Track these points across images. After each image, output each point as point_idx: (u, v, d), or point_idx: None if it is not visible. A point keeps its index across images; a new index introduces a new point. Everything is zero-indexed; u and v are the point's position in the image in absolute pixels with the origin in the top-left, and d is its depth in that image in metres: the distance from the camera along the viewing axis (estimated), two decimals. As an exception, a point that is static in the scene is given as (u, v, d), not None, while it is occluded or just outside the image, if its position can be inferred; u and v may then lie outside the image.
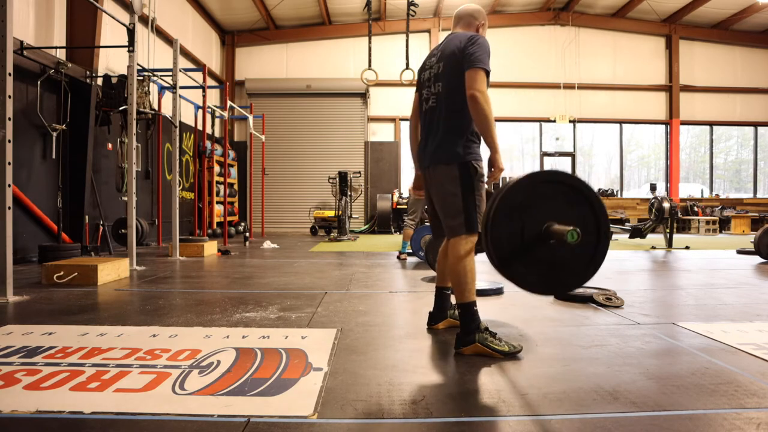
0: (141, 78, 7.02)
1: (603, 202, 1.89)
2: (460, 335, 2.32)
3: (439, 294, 2.77)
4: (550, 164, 14.04)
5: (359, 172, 12.28)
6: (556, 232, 1.82)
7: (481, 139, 2.40)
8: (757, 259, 6.32)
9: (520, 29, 13.55)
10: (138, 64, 6.18)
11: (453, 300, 2.72)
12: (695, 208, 13.00)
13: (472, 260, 2.36)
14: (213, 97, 12.20)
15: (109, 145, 7.43)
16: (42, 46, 6.01)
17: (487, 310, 3.10)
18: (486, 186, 2.43)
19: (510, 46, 13.44)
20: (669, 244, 8.25)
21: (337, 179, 10.50)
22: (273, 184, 12.65)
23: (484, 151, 2.42)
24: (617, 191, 13.79)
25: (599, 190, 13.53)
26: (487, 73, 2.31)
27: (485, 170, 2.43)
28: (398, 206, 12.33)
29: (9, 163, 3.51)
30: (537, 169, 13.69)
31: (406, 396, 1.81)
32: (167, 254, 6.68)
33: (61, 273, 4.23)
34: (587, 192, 1.89)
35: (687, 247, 8.22)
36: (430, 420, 1.62)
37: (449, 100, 2.41)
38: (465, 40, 2.38)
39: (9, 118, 3.51)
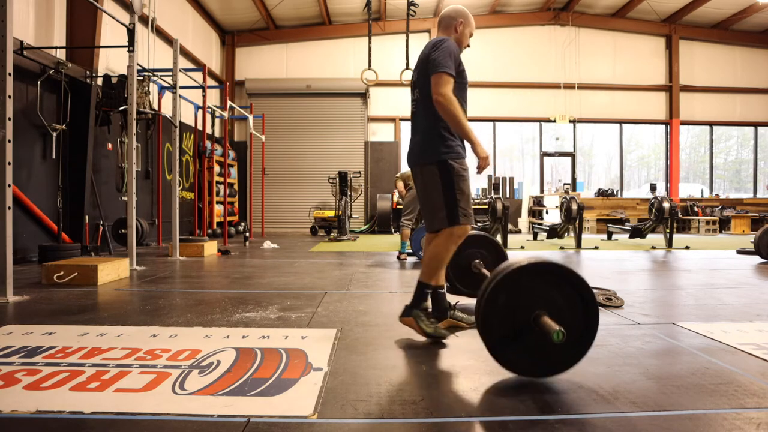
0: (141, 78, 7.02)
1: (584, 281, 1.97)
2: (407, 305, 2.57)
3: (434, 294, 2.72)
4: (550, 164, 14.06)
5: (359, 172, 12.28)
6: (543, 326, 1.88)
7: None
8: (757, 259, 6.32)
9: (520, 29, 13.55)
10: (138, 64, 6.18)
11: (452, 300, 2.73)
12: (695, 208, 13.00)
13: (450, 252, 2.55)
14: (213, 97, 12.20)
15: (109, 145, 7.43)
16: (42, 46, 6.00)
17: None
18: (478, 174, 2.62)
19: (510, 46, 13.45)
20: (669, 244, 8.25)
21: (337, 179, 10.50)
22: (273, 184, 12.65)
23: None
24: (617, 191, 13.79)
25: (599, 190, 13.53)
26: (451, 75, 2.42)
27: (472, 164, 2.61)
28: (398, 206, 12.30)
29: (9, 163, 3.51)
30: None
31: (406, 396, 1.81)
32: (167, 254, 6.68)
33: (61, 273, 4.23)
34: (569, 276, 1.96)
35: (687, 247, 8.21)
36: (430, 420, 1.62)
37: (425, 105, 2.56)
38: (430, 46, 2.53)
39: (9, 118, 3.51)
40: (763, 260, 6.22)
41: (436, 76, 2.41)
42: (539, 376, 1.97)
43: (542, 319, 1.89)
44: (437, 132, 2.52)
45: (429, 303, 2.60)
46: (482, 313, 1.96)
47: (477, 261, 3.31)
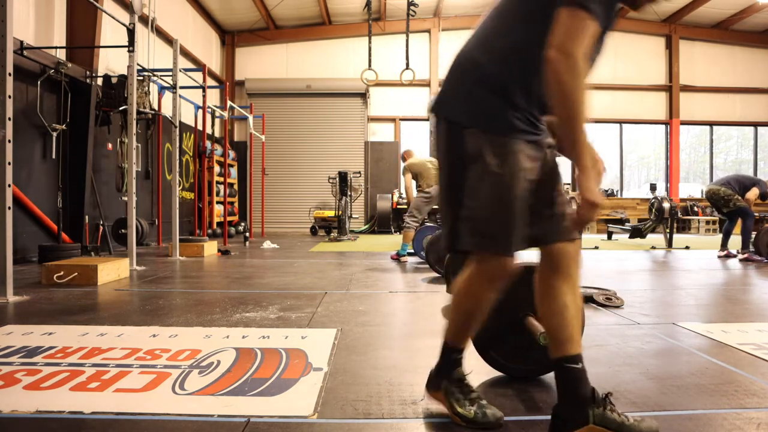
0: (141, 78, 7.02)
1: None
2: (433, 371, 1.69)
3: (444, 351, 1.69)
4: (550, 164, 14.04)
5: (359, 172, 12.27)
6: (529, 329, 1.86)
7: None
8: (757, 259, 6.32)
9: (520, 29, 13.53)
10: (138, 64, 6.18)
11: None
12: (695, 208, 13.00)
13: (481, 301, 1.57)
14: (213, 97, 12.20)
15: (109, 145, 7.42)
16: (42, 46, 6.00)
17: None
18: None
19: (510, 46, 13.44)
20: (669, 244, 8.25)
21: (337, 179, 10.50)
22: (273, 184, 12.65)
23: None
24: (617, 191, 13.79)
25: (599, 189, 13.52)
26: (596, 18, 1.30)
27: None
28: (398, 206, 12.32)
29: (9, 163, 3.51)
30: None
31: (406, 396, 1.81)
32: (167, 254, 6.68)
33: (61, 273, 4.23)
34: None
35: (687, 247, 8.21)
36: (430, 420, 1.62)
37: (502, 23, 1.67)
38: None
39: (9, 118, 3.50)
40: (764, 260, 6.22)
41: (567, 11, 1.26)
42: (525, 375, 1.98)
43: (528, 320, 1.89)
44: (489, 75, 1.43)
45: (463, 369, 1.65)
46: None
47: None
